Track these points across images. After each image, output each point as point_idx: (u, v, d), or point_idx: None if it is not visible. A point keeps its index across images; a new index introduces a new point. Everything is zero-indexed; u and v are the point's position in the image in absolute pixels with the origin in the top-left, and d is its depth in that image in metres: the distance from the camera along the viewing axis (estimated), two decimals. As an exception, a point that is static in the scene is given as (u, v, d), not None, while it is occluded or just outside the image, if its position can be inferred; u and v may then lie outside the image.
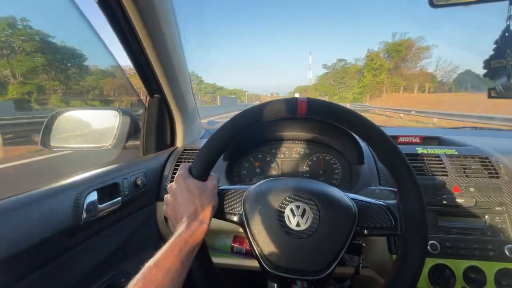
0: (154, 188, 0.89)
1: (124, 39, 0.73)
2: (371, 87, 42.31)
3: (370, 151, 0.91)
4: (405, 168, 0.46)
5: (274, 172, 0.98)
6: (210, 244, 0.93)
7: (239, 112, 0.49)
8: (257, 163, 0.99)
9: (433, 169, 0.80)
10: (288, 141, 1.00)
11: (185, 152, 0.98)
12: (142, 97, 0.97)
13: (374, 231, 0.49)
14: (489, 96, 0.64)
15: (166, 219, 0.90)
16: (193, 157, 0.95)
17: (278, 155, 0.99)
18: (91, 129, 0.98)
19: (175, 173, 0.92)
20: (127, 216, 0.78)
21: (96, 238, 0.66)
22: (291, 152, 0.99)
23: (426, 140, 1.04)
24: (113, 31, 0.69)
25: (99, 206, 0.64)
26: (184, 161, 0.94)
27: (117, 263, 0.75)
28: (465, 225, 0.73)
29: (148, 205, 0.88)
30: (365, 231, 0.49)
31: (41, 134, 0.87)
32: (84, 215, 0.60)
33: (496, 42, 0.60)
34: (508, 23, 0.57)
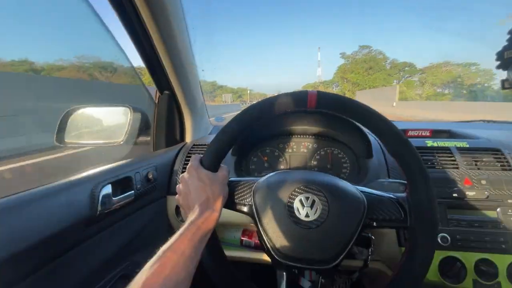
0: (165, 182, 0.92)
1: (135, 37, 0.74)
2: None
3: (379, 144, 0.91)
4: (415, 161, 0.46)
5: (282, 167, 0.99)
6: (219, 237, 0.95)
7: (249, 105, 0.50)
8: (266, 158, 0.99)
9: (443, 162, 0.79)
10: (296, 136, 1.00)
11: (194, 148, 0.99)
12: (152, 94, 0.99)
13: (383, 223, 0.49)
14: (503, 88, 0.63)
15: (177, 212, 0.92)
16: (203, 152, 0.96)
17: (286, 150, 0.99)
18: (104, 125, 1.00)
19: (184, 168, 0.94)
20: (139, 209, 0.80)
21: (110, 230, 0.69)
22: (299, 146, 0.99)
23: (436, 134, 1.03)
24: (125, 30, 0.70)
25: (113, 198, 0.67)
26: None
27: (130, 254, 0.78)
28: (476, 218, 0.72)
29: (159, 199, 0.90)
30: (374, 223, 0.49)
31: (56, 131, 0.90)
32: (100, 207, 0.62)
33: (509, 33, 0.59)
34: None
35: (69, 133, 0.91)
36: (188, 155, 0.97)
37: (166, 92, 0.95)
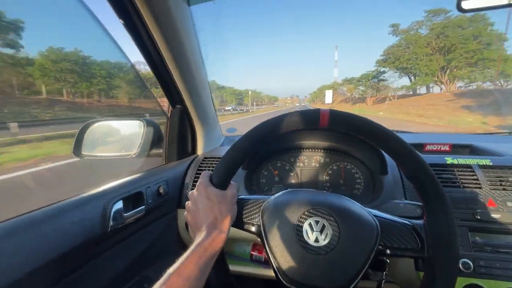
0: (176, 195, 0.92)
1: (147, 54, 0.76)
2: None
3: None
4: (434, 187, 0.43)
5: (293, 181, 0.97)
6: (229, 251, 0.94)
7: (260, 122, 0.50)
8: (276, 172, 0.98)
9: (464, 181, 0.75)
10: (307, 150, 0.98)
11: (205, 160, 1.00)
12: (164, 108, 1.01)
13: (398, 252, 0.46)
14: None
15: (187, 225, 0.92)
16: (213, 165, 0.97)
17: (298, 164, 0.98)
18: (118, 138, 1.03)
19: (195, 181, 0.94)
20: (150, 223, 0.81)
21: (121, 245, 0.70)
22: (310, 160, 0.97)
23: (457, 148, 0.98)
24: (136, 46, 0.72)
25: (125, 214, 0.68)
26: (205, 169, 0.96)
27: (140, 269, 0.79)
28: (502, 242, 0.67)
29: (169, 212, 0.90)
30: (388, 251, 0.46)
31: (73, 143, 0.93)
32: (111, 223, 0.63)
33: None
34: None
35: (86, 146, 0.95)
36: (199, 168, 0.98)
37: (178, 106, 0.97)
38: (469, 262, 0.65)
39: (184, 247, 0.96)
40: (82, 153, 0.94)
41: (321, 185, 0.94)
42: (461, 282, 0.65)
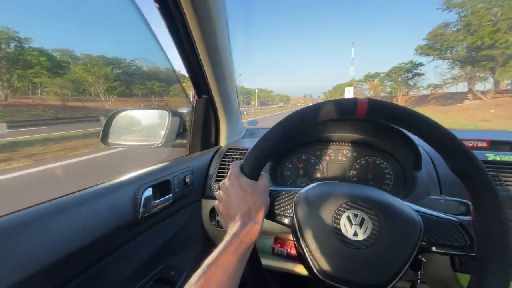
0: (200, 186, 0.92)
1: (179, 42, 0.76)
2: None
3: (428, 154, 0.83)
4: (485, 182, 0.41)
5: (318, 175, 0.95)
6: None
7: (294, 111, 0.48)
8: (301, 165, 0.96)
9: (508, 179, 0.70)
10: (334, 143, 0.95)
11: (229, 152, 0.99)
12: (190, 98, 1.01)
13: (444, 249, 0.44)
14: None
15: (210, 216, 0.92)
16: (237, 156, 0.96)
17: (323, 157, 0.95)
18: (144, 128, 1.04)
19: (220, 172, 0.94)
20: (176, 212, 0.81)
21: (148, 233, 0.70)
22: (337, 154, 0.94)
23: (495, 145, 0.92)
24: (170, 35, 0.72)
25: (154, 202, 0.68)
26: (228, 160, 0.96)
27: (166, 258, 0.79)
28: None
29: (194, 202, 0.91)
30: (434, 248, 0.44)
31: (101, 132, 0.95)
32: (142, 210, 0.63)
33: None
34: None
35: (113, 134, 0.96)
36: (223, 159, 0.97)
37: (204, 96, 0.96)
38: None
39: (207, 237, 0.96)
40: (109, 141, 0.96)
41: (348, 179, 0.91)
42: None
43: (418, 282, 0.63)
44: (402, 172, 0.85)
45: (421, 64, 33.28)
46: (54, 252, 0.45)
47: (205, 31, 0.71)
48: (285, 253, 0.91)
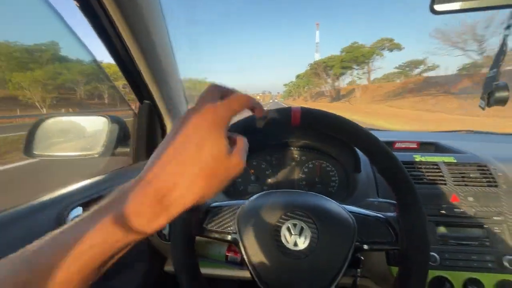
0: None
1: (108, 43, 0.68)
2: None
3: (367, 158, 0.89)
4: (405, 181, 0.45)
5: (269, 180, 0.95)
6: (203, 254, 0.90)
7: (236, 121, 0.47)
8: (252, 171, 0.96)
9: (431, 178, 0.78)
10: (283, 148, 0.97)
11: None
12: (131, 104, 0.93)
13: (374, 246, 0.48)
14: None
15: (159, 232, 0.86)
16: None
17: (273, 162, 0.96)
18: (78, 136, 0.93)
19: None
20: None
21: None
22: (286, 158, 0.96)
23: (423, 146, 1.03)
24: (98, 37, 0.64)
25: None
26: None
27: (106, 280, 0.72)
28: (463, 235, 0.72)
29: None
30: (365, 246, 0.47)
31: (24, 142, 0.83)
32: None
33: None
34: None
35: (39, 144, 0.84)
36: None
37: (146, 101, 0.90)
38: (436, 255, 0.68)
39: (155, 253, 0.90)
40: (34, 152, 0.84)
41: (297, 183, 0.94)
42: (429, 275, 0.68)
43: (358, 279, 0.67)
44: (345, 175, 0.90)
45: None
46: None
47: (138, 33, 0.65)
48: (239, 260, 0.89)
